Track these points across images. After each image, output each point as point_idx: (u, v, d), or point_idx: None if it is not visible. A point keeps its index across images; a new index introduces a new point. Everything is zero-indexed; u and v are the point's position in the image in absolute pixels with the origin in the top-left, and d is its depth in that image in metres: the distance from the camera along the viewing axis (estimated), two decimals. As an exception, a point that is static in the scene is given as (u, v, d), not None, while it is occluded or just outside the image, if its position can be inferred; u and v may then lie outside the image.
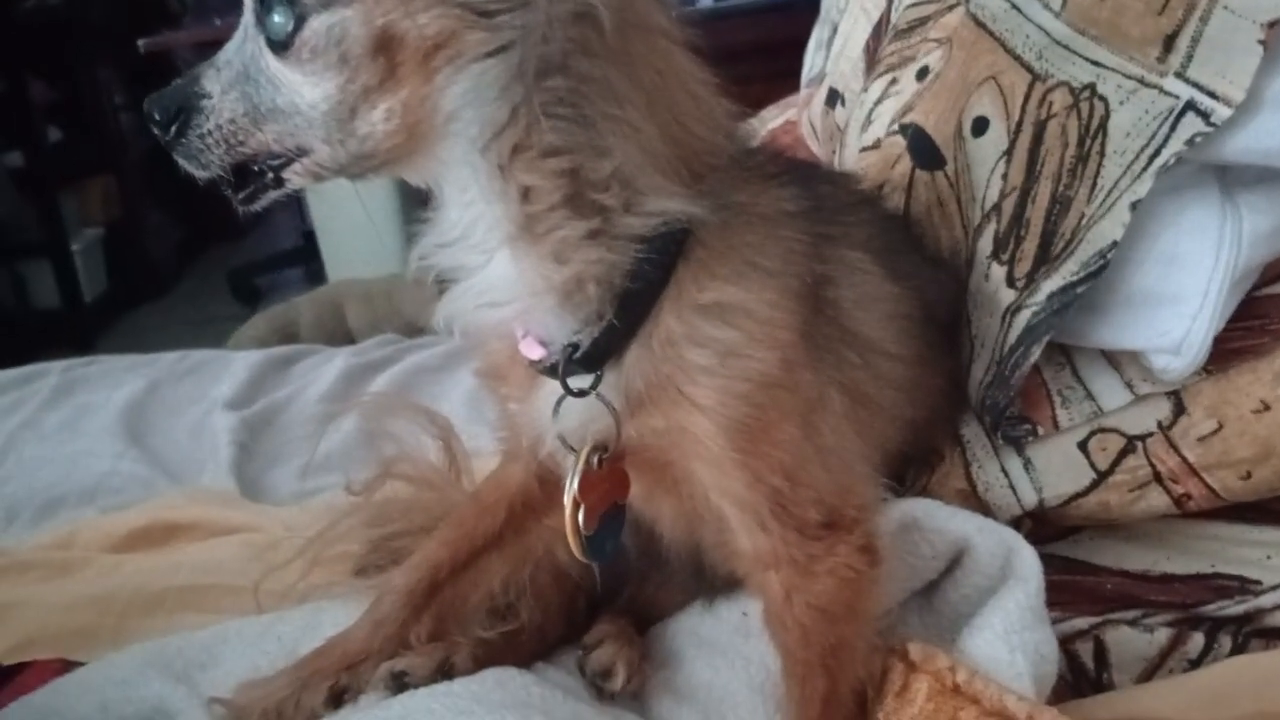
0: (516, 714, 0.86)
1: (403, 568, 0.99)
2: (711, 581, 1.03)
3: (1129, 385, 1.03)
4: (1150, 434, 1.03)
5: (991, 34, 1.08)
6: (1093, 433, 1.04)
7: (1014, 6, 1.06)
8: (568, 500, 0.88)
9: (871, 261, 0.97)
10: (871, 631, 0.87)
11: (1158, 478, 1.02)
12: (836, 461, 0.87)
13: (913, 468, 1.09)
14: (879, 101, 1.27)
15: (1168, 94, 0.93)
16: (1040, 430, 1.05)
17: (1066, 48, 1.00)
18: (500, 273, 0.82)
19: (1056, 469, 1.06)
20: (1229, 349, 1.00)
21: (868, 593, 0.86)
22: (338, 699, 0.94)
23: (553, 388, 0.85)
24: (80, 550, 1.33)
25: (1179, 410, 1.02)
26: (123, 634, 1.13)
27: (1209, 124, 0.92)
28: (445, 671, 0.94)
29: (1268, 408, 0.99)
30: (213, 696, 0.95)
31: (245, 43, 0.82)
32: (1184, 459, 1.01)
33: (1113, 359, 1.04)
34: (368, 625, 0.97)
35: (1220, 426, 1.01)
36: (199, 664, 1.02)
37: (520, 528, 1.00)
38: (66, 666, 1.07)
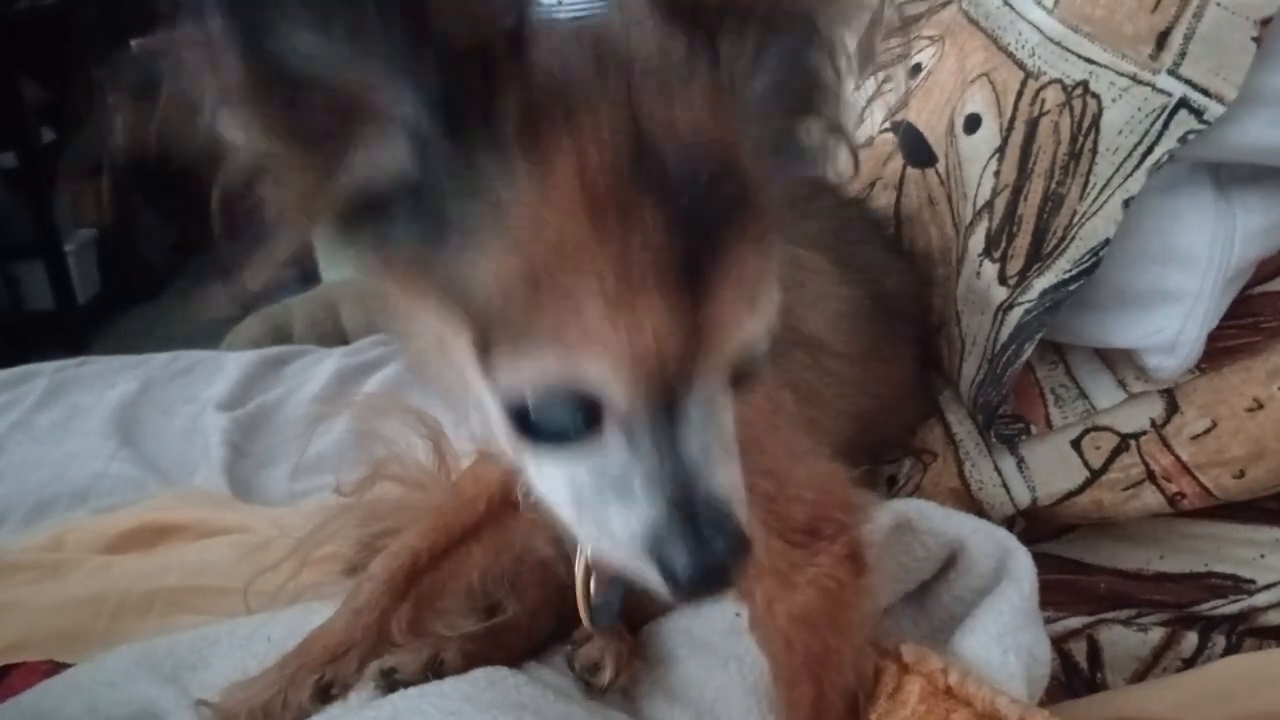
0: (508, 714, 0.86)
1: (381, 556, 0.98)
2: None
3: (1122, 384, 1.03)
4: (1144, 432, 1.02)
5: (984, 31, 1.08)
6: (1086, 431, 1.04)
7: (1007, 3, 1.06)
8: (579, 568, 0.85)
9: (821, 259, 0.96)
10: (859, 639, 0.85)
11: (1151, 476, 1.02)
12: (808, 460, 0.85)
13: (866, 459, 1.07)
14: (872, 99, 1.27)
15: (1160, 91, 0.93)
16: (1033, 429, 1.05)
17: (1059, 45, 1.00)
18: None
19: (1050, 468, 1.05)
20: (1222, 347, 1.00)
21: (852, 603, 0.83)
22: (325, 693, 0.93)
23: None
24: (71, 551, 1.32)
25: (1172, 409, 1.02)
26: (113, 635, 1.12)
27: (1202, 121, 0.92)
28: (435, 669, 0.94)
29: (1261, 406, 0.99)
30: (199, 699, 0.94)
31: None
32: (1177, 457, 1.01)
33: (1106, 357, 1.04)
34: (346, 615, 0.96)
35: (1214, 425, 1.00)
36: (188, 665, 1.02)
37: (499, 521, 0.99)
38: (56, 668, 1.06)
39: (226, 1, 0.54)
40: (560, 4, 2.00)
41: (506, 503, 0.99)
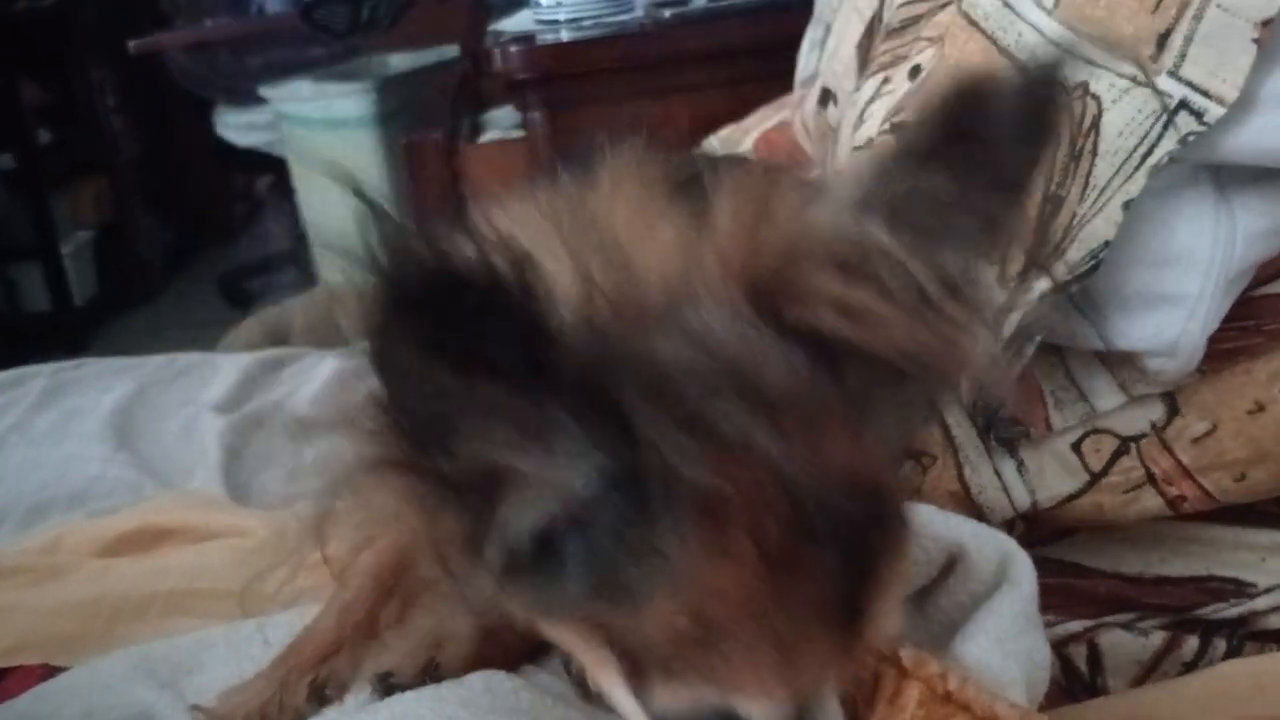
0: (505, 720, 0.85)
1: (367, 552, 0.97)
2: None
3: (1122, 386, 1.03)
4: (1144, 435, 1.02)
5: (984, 32, 1.08)
6: (1086, 434, 1.04)
7: (1006, 5, 1.05)
8: None
9: None
10: None
11: (1151, 479, 1.02)
12: None
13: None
14: (871, 101, 1.27)
15: (1161, 93, 0.93)
16: (1033, 432, 1.04)
17: (1059, 46, 0.99)
18: None
19: (1050, 471, 1.05)
20: (1223, 350, 1.00)
21: None
22: (319, 693, 0.93)
23: None
24: (67, 555, 1.31)
25: (1173, 411, 1.01)
26: (110, 639, 1.12)
27: (1202, 123, 0.91)
28: (432, 672, 0.93)
29: (1262, 409, 0.98)
30: (194, 704, 0.94)
31: None
32: (1178, 460, 1.01)
33: (1106, 360, 1.04)
34: (334, 613, 0.95)
35: (1214, 428, 1.00)
36: (185, 669, 1.01)
37: None
38: (51, 672, 1.06)
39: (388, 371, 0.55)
40: (560, 4, 2.00)
41: None
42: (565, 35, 1.99)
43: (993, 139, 0.61)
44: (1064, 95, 0.64)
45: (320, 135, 3.75)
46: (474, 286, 0.51)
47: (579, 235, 0.61)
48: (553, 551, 0.58)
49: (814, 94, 1.56)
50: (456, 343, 0.52)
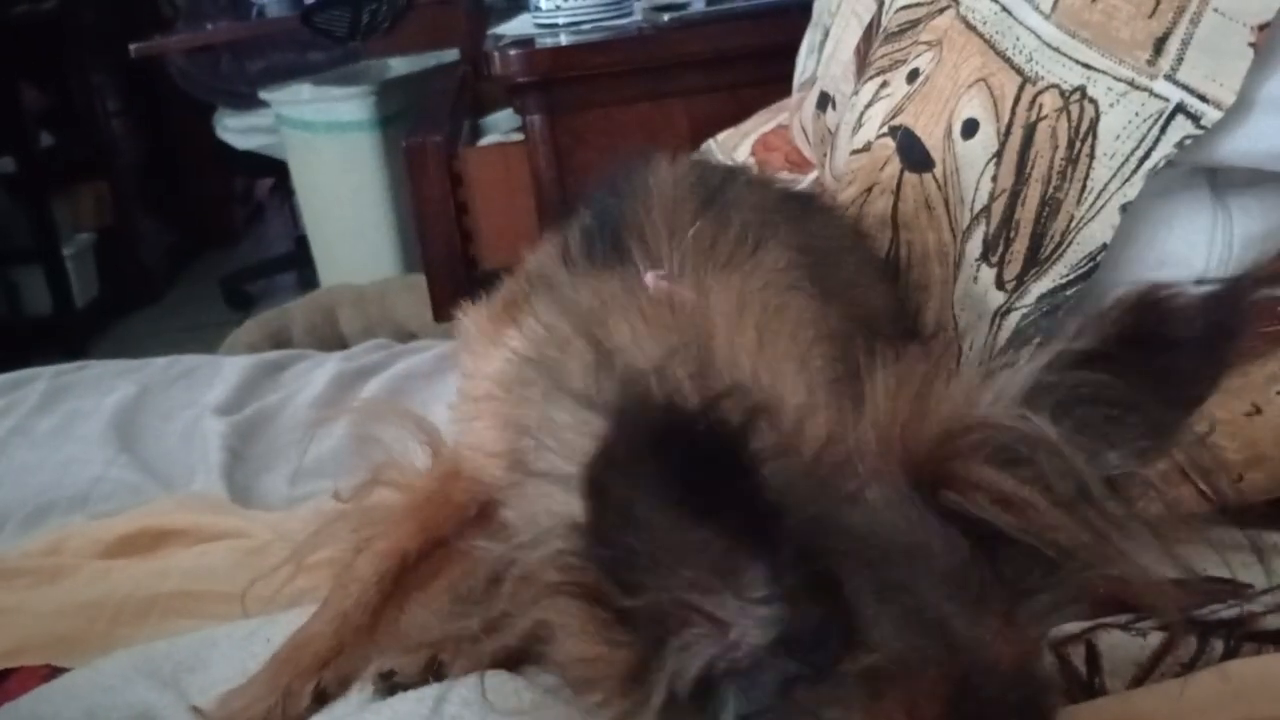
0: (508, 720, 0.86)
1: (368, 557, 0.97)
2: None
3: (1120, 388, 1.03)
4: (1141, 437, 1.02)
5: (981, 36, 1.08)
6: (1084, 436, 1.04)
7: (1004, 9, 1.06)
8: None
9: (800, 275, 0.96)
10: None
11: (1148, 481, 1.02)
12: None
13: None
14: (869, 104, 1.27)
15: (1158, 96, 0.93)
16: (1032, 434, 1.05)
17: (1057, 50, 1.00)
18: None
19: (1048, 472, 1.05)
20: (1220, 352, 1.00)
21: None
22: (323, 698, 0.93)
23: None
24: (69, 557, 1.31)
25: (1170, 413, 1.01)
26: (112, 641, 1.12)
27: (1199, 127, 0.92)
28: (435, 671, 0.94)
29: (1259, 411, 0.99)
30: (193, 704, 0.94)
31: None
32: (1174, 462, 1.01)
33: (1103, 362, 1.04)
34: (335, 618, 0.95)
35: (1211, 430, 1.00)
36: (187, 668, 1.02)
37: (485, 525, 0.99)
38: (54, 673, 1.06)
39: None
40: (559, 8, 2.00)
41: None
42: (564, 39, 1.99)
43: (1176, 350, 0.63)
44: (1251, 314, 0.64)
45: (320, 138, 3.76)
46: (712, 437, 0.51)
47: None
48: (712, 696, 0.58)
49: (812, 97, 1.57)
50: (681, 487, 0.52)
